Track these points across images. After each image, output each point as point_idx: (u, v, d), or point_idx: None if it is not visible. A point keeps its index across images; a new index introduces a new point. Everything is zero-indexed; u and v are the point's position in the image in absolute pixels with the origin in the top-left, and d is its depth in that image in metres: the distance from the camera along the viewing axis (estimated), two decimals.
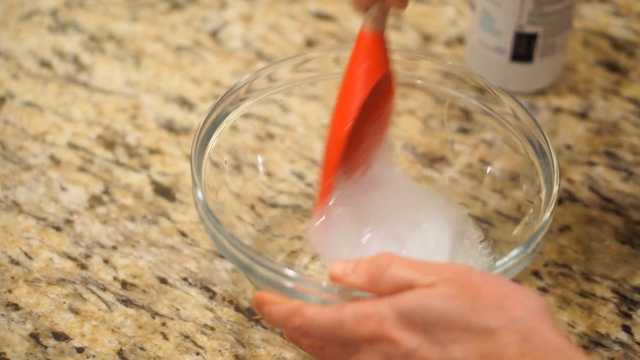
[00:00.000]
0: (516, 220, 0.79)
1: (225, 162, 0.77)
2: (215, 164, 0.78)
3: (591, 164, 0.86)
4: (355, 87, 0.70)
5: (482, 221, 0.79)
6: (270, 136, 0.83)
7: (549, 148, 0.72)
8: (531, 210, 0.74)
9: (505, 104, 0.76)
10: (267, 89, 0.77)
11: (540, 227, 0.68)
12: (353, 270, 0.62)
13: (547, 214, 0.68)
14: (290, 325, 0.62)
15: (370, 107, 0.71)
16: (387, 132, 0.74)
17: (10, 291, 0.76)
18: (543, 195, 0.71)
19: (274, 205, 0.81)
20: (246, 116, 0.77)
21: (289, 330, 0.62)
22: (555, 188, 0.70)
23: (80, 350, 0.72)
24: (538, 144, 0.73)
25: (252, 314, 0.75)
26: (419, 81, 0.79)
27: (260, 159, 0.82)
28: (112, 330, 0.74)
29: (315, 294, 0.63)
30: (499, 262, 0.66)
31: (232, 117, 0.76)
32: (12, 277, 0.77)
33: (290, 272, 0.64)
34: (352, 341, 0.61)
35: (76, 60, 0.95)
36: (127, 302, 0.75)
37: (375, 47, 0.70)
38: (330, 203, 0.72)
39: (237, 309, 0.75)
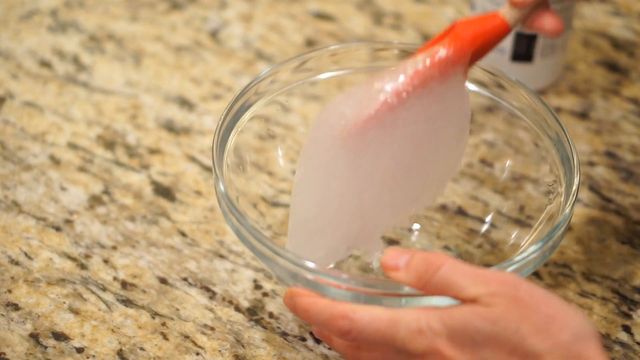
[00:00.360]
0: (518, 222, 0.79)
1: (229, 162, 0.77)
2: None
3: (591, 164, 0.86)
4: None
5: (484, 222, 0.79)
6: (272, 135, 0.83)
7: (568, 141, 0.72)
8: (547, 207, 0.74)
9: (520, 96, 0.76)
10: (294, 80, 0.78)
11: (561, 221, 0.67)
12: (405, 265, 0.62)
13: (568, 209, 0.68)
14: (335, 327, 0.62)
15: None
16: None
17: (10, 291, 0.76)
18: (563, 189, 0.71)
19: (275, 205, 0.81)
20: (269, 104, 0.78)
21: (333, 331, 0.62)
22: (576, 182, 0.69)
23: (80, 350, 0.72)
24: (556, 136, 0.73)
25: (252, 314, 0.75)
26: None
27: (262, 158, 0.82)
28: (112, 330, 0.73)
29: (335, 287, 0.64)
30: (517, 257, 0.65)
31: (254, 109, 0.77)
32: (12, 277, 0.77)
33: (311, 265, 0.64)
34: (402, 353, 0.61)
35: (76, 60, 0.95)
36: (127, 302, 0.75)
37: (502, 35, 0.70)
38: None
39: (237, 309, 0.75)
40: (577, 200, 0.69)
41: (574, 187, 0.69)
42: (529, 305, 0.58)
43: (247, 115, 0.76)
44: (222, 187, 0.70)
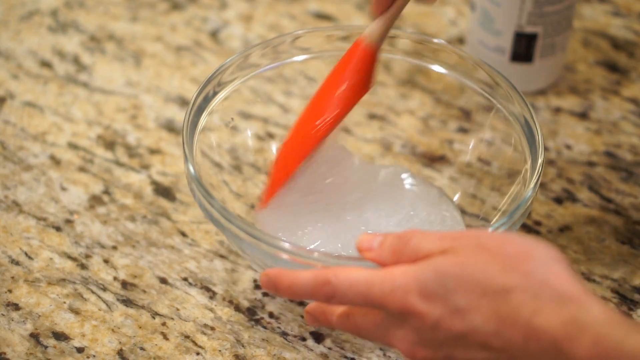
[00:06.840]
0: None
1: (225, 161, 0.77)
2: (217, 164, 0.78)
3: (591, 164, 0.86)
4: (340, 99, 0.73)
5: (482, 219, 0.79)
6: (270, 136, 0.83)
7: (533, 120, 0.73)
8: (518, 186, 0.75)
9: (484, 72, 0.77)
10: (260, 66, 0.79)
11: (526, 198, 0.68)
12: (379, 244, 0.63)
13: (532, 184, 0.69)
14: (321, 294, 0.62)
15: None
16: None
17: (10, 291, 0.76)
18: (528, 166, 0.72)
19: None
20: (238, 91, 0.78)
21: (320, 299, 0.62)
22: (540, 160, 0.70)
23: (80, 350, 0.72)
24: (524, 119, 0.74)
25: (252, 314, 0.75)
26: (428, 65, 0.80)
27: (260, 159, 0.82)
28: (112, 330, 0.74)
29: (309, 264, 0.65)
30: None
31: (223, 95, 0.77)
32: (12, 277, 0.77)
33: (285, 244, 0.65)
34: (389, 315, 0.61)
35: (76, 60, 0.95)
36: (127, 302, 0.75)
37: (369, 61, 0.72)
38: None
39: (237, 309, 0.75)
40: (541, 176, 0.70)
41: (539, 164, 0.70)
42: (493, 248, 0.59)
43: (217, 98, 0.77)
44: (192, 169, 0.70)
